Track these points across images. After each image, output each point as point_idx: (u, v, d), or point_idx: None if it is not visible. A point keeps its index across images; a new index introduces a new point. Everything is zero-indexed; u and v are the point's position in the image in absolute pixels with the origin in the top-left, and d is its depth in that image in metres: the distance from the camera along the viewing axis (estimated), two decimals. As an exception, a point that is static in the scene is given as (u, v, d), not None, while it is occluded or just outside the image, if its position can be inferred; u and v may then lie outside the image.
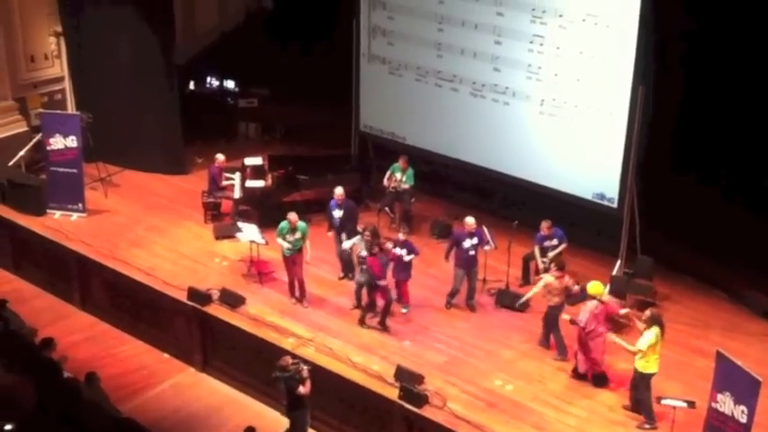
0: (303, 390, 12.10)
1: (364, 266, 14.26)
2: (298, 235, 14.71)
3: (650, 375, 12.20)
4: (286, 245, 14.74)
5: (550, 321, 13.75)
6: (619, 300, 14.20)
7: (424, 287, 15.25)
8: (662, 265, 15.27)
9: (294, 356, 12.65)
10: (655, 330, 12.10)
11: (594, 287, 12.93)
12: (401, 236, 14.68)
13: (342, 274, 15.74)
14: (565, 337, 13.64)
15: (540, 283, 13.78)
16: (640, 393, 12.32)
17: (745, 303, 15.07)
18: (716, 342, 13.21)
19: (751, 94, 14.85)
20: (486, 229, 15.25)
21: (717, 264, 15.38)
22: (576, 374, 13.26)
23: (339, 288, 15.42)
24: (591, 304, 12.86)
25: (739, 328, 14.48)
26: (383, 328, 14.32)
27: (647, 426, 12.29)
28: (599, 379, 13.13)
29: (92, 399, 12.29)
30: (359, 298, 14.75)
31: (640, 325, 12.34)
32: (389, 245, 14.43)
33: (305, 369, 12.13)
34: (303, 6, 21.51)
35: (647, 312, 12.40)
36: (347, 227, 15.54)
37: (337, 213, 15.54)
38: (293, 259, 14.83)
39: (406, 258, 14.47)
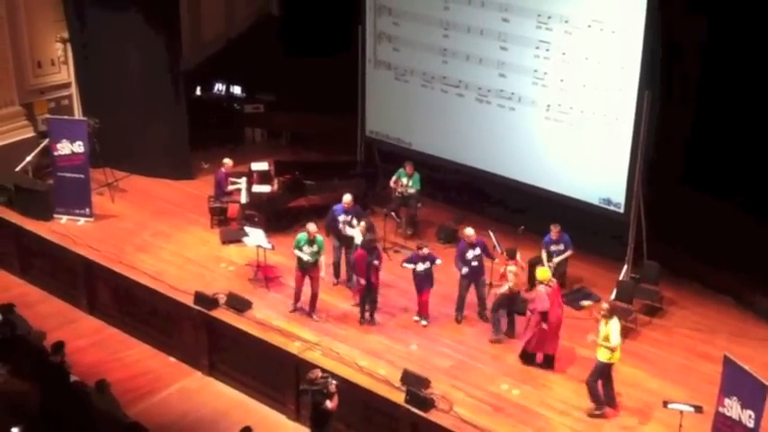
0: (330, 405, 12.05)
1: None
2: (315, 248, 14.58)
3: (612, 365, 12.49)
4: (305, 257, 14.61)
5: (502, 304, 14.12)
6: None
7: (430, 292, 15.26)
8: (668, 270, 15.28)
9: (324, 371, 12.65)
10: (617, 321, 12.38)
11: (542, 272, 13.44)
12: (425, 250, 14.56)
13: (335, 281, 15.71)
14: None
15: (511, 277, 14.06)
16: (592, 377, 12.56)
17: (752, 309, 15.07)
18: (723, 347, 13.17)
19: (758, 100, 14.86)
20: (492, 234, 15.28)
21: (724, 269, 15.37)
22: (526, 356, 13.58)
23: (345, 293, 15.42)
24: (540, 290, 13.24)
25: (746, 333, 14.47)
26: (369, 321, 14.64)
27: (596, 412, 12.57)
28: (548, 360, 13.50)
29: (100, 404, 12.31)
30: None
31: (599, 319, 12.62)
32: (409, 265, 14.53)
33: (333, 384, 12.10)
34: (310, 13, 21.54)
35: (605, 305, 12.72)
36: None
37: (343, 218, 15.53)
38: (309, 272, 14.70)
39: (421, 268, 14.46)
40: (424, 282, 14.54)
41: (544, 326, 13.24)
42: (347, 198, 15.60)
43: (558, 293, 13.55)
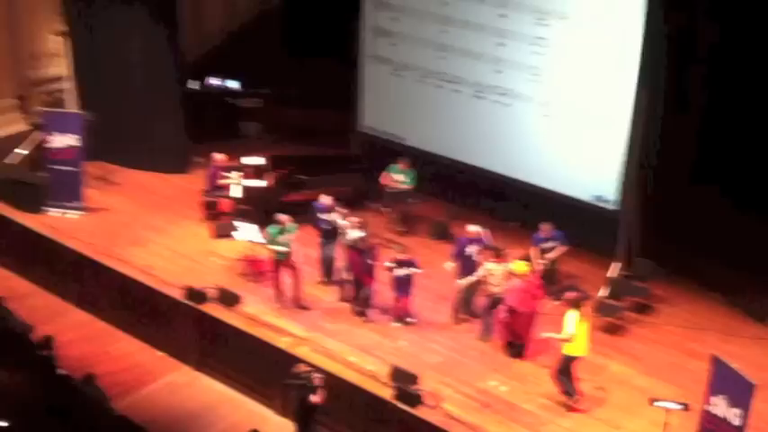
0: (315, 398, 12.02)
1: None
2: (290, 235, 14.60)
3: (572, 358, 12.49)
4: (282, 248, 14.57)
5: (490, 308, 13.99)
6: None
7: (420, 288, 15.15)
8: (659, 268, 15.17)
9: (310, 365, 12.61)
10: (576, 313, 12.38)
11: (518, 266, 13.49)
12: (399, 255, 14.45)
13: (325, 279, 15.60)
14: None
15: (481, 271, 13.98)
16: (561, 372, 12.57)
17: (741, 307, 14.99)
18: (711, 345, 13.14)
19: (757, 96, 14.76)
20: (481, 231, 15.21)
21: (714, 267, 15.25)
22: (508, 345, 13.69)
23: (335, 288, 15.33)
24: (515, 282, 13.31)
25: (735, 331, 14.41)
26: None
27: (571, 400, 12.61)
28: (517, 348, 13.58)
29: (88, 396, 12.28)
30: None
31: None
32: (389, 264, 14.38)
33: (317, 377, 12.08)
34: (309, 7, 21.49)
35: (566, 295, 12.81)
36: (333, 231, 15.43)
37: (325, 216, 15.42)
38: (289, 262, 14.68)
39: (400, 273, 14.32)
40: (402, 287, 14.40)
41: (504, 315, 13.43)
42: (325, 199, 15.52)
43: (534, 287, 13.51)
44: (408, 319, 14.52)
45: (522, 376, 13.29)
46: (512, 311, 13.45)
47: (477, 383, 13.10)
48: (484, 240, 14.69)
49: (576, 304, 12.53)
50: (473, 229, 14.69)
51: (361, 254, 14.36)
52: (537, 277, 13.85)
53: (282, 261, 14.65)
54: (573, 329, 12.35)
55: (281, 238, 14.56)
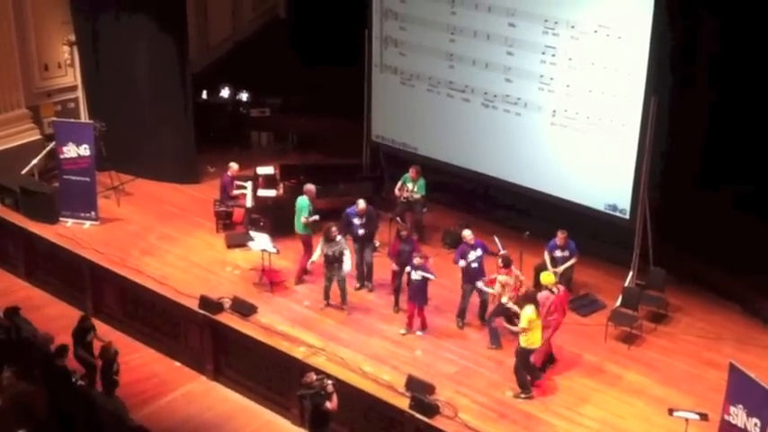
0: (330, 405, 12.00)
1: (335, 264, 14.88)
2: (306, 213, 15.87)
3: (529, 351, 12.86)
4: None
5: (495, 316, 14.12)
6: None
7: (435, 297, 15.24)
8: (674, 277, 15.24)
9: (318, 372, 12.62)
10: (531, 307, 12.71)
11: (546, 277, 13.44)
12: (417, 260, 14.50)
13: (358, 285, 15.76)
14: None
15: (498, 287, 14.14)
16: (518, 365, 12.86)
17: (758, 315, 15.01)
18: (728, 354, 13.18)
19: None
20: (497, 240, 15.26)
21: (730, 275, 15.33)
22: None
23: (350, 297, 15.37)
24: (543, 294, 13.24)
25: (752, 340, 14.43)
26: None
27: (522, 396, 12.94)
28: (548, 359, 13.68)
29: (106, 406, 12.32)
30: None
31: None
32: (414, 274, 14.47)
33: (329, 384, 12.04)
34: (316, 17, 21.57)
35: (523, 290, 13.22)
36: (369, 232, 15.66)
37: (357, 221, 15.57)
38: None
39: (416, 276, 14.38)
40: (415, 294, 14.48)
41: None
42: (361, 204, 15.64)
43: (564, 299, 13.57)
44: (419, 332, 14.58)
45: (538, 386, 13.25)
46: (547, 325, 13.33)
47: (493, 393, 13.14)
48: (483, 245, 14.73)
49: (531, 299, 12.83)
50: (467, 234, 14.74)
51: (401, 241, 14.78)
52: (565, 291, 13.82)
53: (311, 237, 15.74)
54: (525, 323, 12.71)
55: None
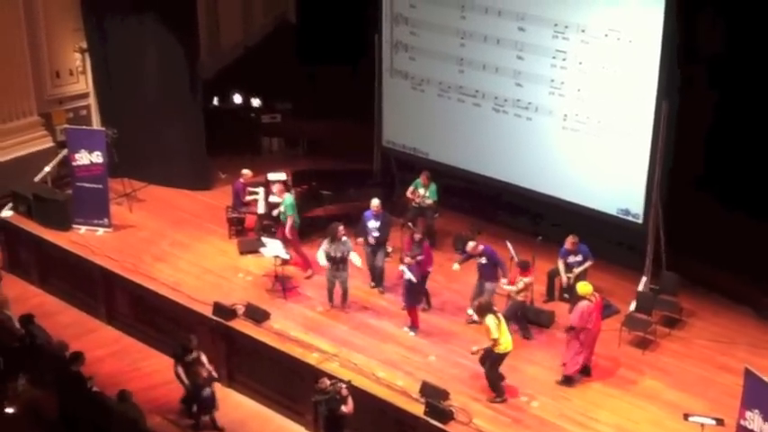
0: (346, 409, 12.02)
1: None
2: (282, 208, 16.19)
3: (504, 355, 12.97)
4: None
5: (514, 313, 14.29)
6: None
7: (447, 302, 15.27)
8: (688, 281, 15.21)
9: (331, 377, 12.63)
10: (491, 317, 12.89)
11: (582, 287, 13.39)
12: (407, 259, 14.57)
13: (373, 284, 15.82)
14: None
15: (521, 285, 14.25)
16: (488, 370, 12.99)
17: (771, 319, 14.99)
18: (742, 359, 13.15)
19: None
20: (510, 245, 15.25)
21: (743, 279, 15.28)
22: (566, 379, 13.49)
23: (363, 302, 15.43)
24: (582, 304, 13.18)
25: (766, 344, 14.35)
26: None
27: (497, 399, 13.00)
28: (587, 369, 13.58)
29: (122, 413, 12.35)
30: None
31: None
32: (402, 267, 14.53)
33: (343, 387, 12.06)
34: (326, 22, 21.59)
35: (476, 303, 13.36)
36: (382, 237, 15.69)
37: (372, 224, 15.59)
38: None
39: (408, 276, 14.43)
40: (404, 293, 14.64)
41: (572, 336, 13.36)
42: (375, 202, 15.67)
43: (600, 306, 13.51)
44: (411, 332, 14.64)
45: (552, 391, 13.30)
46: (579, 331, 13.26)
47: (508, 399, 13.12)
48: (491, 251, 14.74)
49: (488, 309, 12.95)
50: (471, 245, 14.85)
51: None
52: (600, 297, 13.74)
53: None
54: (496, 333, 12.79)
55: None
